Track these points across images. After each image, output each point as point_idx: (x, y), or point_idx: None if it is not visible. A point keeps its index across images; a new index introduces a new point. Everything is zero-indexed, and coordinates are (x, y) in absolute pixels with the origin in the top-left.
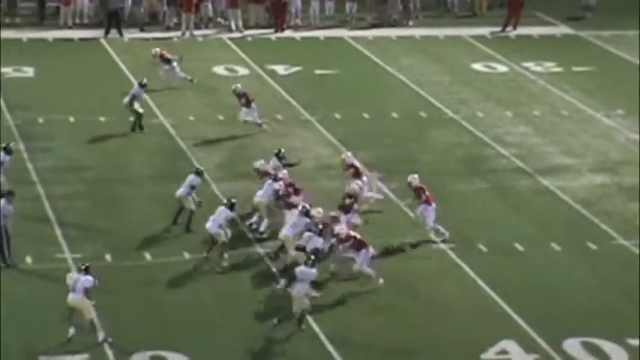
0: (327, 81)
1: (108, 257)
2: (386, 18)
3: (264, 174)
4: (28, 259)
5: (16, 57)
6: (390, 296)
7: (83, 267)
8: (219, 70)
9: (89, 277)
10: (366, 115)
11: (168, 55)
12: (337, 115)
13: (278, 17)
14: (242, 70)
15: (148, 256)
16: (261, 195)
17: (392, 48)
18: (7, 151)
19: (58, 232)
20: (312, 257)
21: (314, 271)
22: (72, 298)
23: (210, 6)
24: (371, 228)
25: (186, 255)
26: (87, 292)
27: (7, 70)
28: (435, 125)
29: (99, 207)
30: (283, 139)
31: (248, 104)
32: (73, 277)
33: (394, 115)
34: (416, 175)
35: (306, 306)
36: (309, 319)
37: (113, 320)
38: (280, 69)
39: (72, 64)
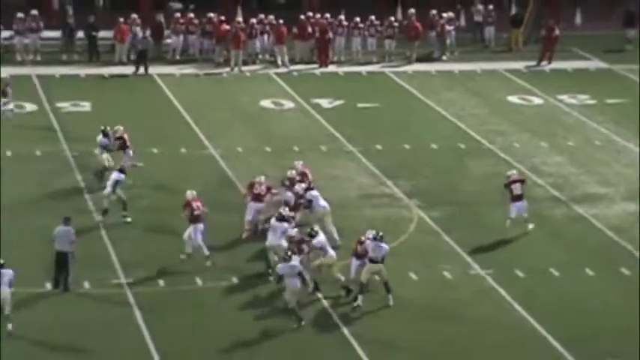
0: (369, 114)
1: (161, 282)
2: (410, 54)
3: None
4: (86, 284)
5: (73, 92)
6: (427, 319)
7: None
8: (267, 103)
9: (10, 271)
10: (406, 147)
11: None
12: (379, 147)
13: (322, 53)
14: (288, 104)
15: (198, 281)
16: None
17: (431, 82)
18: (121, 170)
19: (114, 259)
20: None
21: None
22: (5, 291)
23: (257, 43)
24: (410, 253)
25: (235, 279)
26: (11, 285)
27: (66, 105)
28: (473, 156)
29: (152, 234)
30: (327, 169)
31: (124, 147)
32: None
33: (434, 146)
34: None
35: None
36: (350, 338)
37: (165, 344)
38: (324, 102)
39: (126, 99)
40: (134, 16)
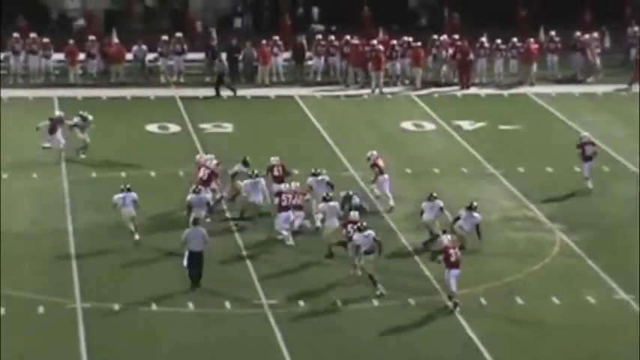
0: (511, 136)
1: (301, 303)
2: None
3: None
4: (227, 304)
5: (216, 113)
6: (570, 344)
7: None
8: (407, 125)
9: (134, 194)
10: (549, 169)
11: None
12: (521, 169)
13: (463, 75)
14: (429, 126)
15: (339, 302)
16: (427, 215)
17: (574, 104)
18: (316, 174)
19: (255, 279)
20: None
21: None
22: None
23: (398, 64)
24: (553, 277)
25: (375, 302)
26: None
27: (208, 126)
28: (617, 179)
29: (293, 255)
30: (468, 191)
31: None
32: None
33: (576, 169)
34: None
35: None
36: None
37: None
38: (466, 124)
39: (268, 120)
40: (275, 37)
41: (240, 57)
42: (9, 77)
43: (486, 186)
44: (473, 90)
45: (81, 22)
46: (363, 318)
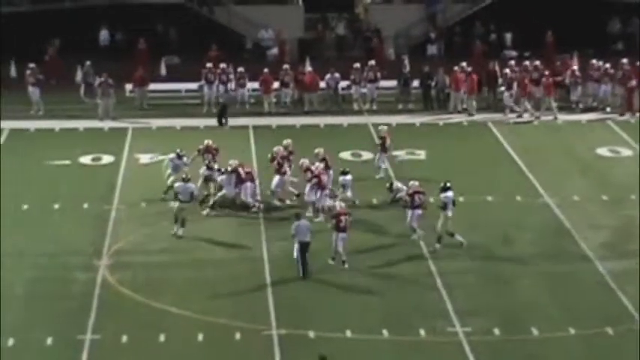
0: None
1: (496, 331)
2: None
3: None
4: (421, 332)
5: (408, 140)
6: None
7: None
8: (603, 151)
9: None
10: None
11: None
12: None
13: (628, 100)
14: (625, 152)
15: (534, 330)
16: None
17: None
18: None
19: (449, 307)
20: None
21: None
22: None
23: (579, 89)
24: None
25: (572, 330)
26: None
27: (401, 153)
28: None
29: (488, 283)
30: None
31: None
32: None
33: None
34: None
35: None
36: None
37: None
38: None
39: (460, 147)
40: (463, 64)
41: (433, 84)
42: (202, 107)
43: None
44: None
45: (275, 50)
46: (559, 346)
